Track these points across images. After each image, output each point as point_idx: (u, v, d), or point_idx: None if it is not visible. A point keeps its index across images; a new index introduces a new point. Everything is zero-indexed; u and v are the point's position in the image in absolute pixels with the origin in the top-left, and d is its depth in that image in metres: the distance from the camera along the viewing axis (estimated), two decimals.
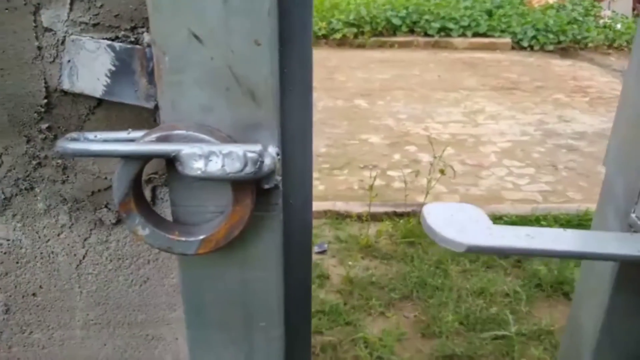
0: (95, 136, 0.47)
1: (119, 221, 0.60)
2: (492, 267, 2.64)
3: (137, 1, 0.50)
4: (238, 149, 0.43)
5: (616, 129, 0.57)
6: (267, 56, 0.45)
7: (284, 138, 0.51)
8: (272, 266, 0.54)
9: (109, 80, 0.49)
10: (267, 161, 0.44)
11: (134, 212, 0.47)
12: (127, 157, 0.44)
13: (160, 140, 0.44)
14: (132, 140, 0.46)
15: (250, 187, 0.47)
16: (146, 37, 0.51)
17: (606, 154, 0.59)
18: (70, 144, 0.44)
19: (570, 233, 0.49)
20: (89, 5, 0.49)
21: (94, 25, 0.50)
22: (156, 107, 0.49)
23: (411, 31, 7.18)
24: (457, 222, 0.48)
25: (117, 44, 0.48)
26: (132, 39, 0.51)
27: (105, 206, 0.59)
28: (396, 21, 7.11)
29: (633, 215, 0.51)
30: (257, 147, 0.44)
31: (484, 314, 2.31)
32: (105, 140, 0.47)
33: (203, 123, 0.46)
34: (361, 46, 6.95)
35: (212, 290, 0.55)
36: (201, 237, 0.48)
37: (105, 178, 0.57)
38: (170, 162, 0.48)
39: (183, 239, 0.48)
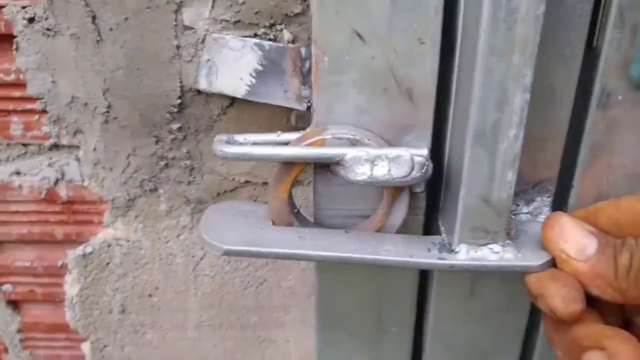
0: (245, 139, 0.45)
1: None
2: None
3: None
4: (405, 153, 0.41)
5: None
6: (430, 55, 0.42)
7: None
8: (410, 271, 0.52)
9: (253, 80, 0.47)
10: (430, 165, 0.42)
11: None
12: (288, 162, 0.43)
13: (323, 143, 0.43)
14: (285, 144, 0.44)
15: (406, 190, 0.45)
16: (286, 35, 0.49)
17: None
18: (230, 148, 0.42)
19: (349, 236, 0.45)
20: (230, 3, 0.48)
21: (235, 22, 0.48)
22: (308, 109, 0.47)
23: None
24: (231, 223, 0.45)
25: (266, 42, 0.47)
26: (271, 37, 0.49)
27: None
28: None
29: None
30: (424, 151, 0.42)
31: None
32: (255, 143, 0.45)
33: (357, 125, 0.45)
34: None
35: (347, 295, 0.53)
36: None
37: (233, 179, 0.56)
38: (320, 165, 0.47)
39: None
